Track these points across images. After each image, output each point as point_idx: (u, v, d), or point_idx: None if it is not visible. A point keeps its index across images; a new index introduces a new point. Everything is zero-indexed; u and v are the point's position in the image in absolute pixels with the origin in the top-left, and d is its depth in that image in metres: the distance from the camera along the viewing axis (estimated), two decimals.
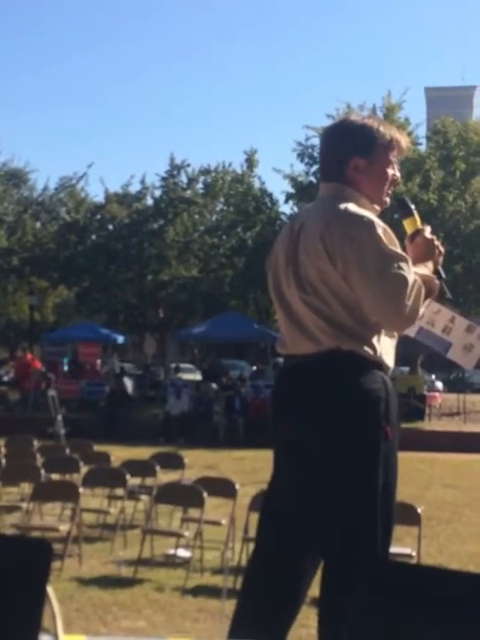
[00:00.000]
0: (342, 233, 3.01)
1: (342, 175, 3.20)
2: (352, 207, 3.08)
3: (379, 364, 3.09)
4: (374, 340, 3.08)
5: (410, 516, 7.00)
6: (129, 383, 25.35)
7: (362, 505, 3.04)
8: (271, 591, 3.16)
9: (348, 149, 3.19)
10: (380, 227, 3.04)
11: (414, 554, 6.95)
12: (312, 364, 3.09)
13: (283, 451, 3.20)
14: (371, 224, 3.02)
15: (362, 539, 3.05)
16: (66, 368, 27.32)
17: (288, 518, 3.17)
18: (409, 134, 29.24)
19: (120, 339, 29.07)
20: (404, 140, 3.29)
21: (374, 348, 3.08)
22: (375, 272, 2.97)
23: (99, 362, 28.07)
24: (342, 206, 3.08)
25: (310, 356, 3.09)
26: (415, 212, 3.40)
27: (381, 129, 3.23)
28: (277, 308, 3.29)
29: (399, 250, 3.07)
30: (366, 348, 3.06)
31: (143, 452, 12.66)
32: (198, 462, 15.00)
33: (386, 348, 3.14)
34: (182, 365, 31.56)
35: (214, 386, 24.03)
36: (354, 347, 3.04)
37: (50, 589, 1.17)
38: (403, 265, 3.01)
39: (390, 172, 3.24)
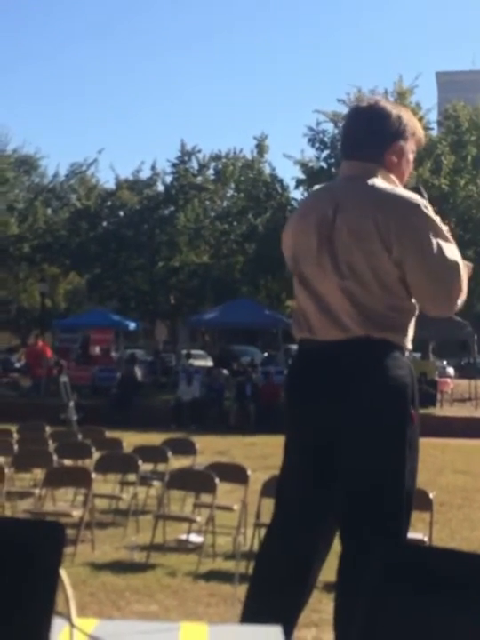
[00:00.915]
0: (400, 216, 3.01)
1: (378, 156, 3.18)
2: (402, 190, 3.11)
3: (404, 349, 3.12)
4: (404, 327, 3.12)
5: (422, 502, 6.99)
6: (139, 370, 25.38)
7: (391, 488, 3.06)
8: (283, 576, 3.16)
9: (391, 131, 3.19)
10: (431, 210, 3.07)
11: (426, 539, 6.95)
12: (341, 350, 3.07)
13: (303, 434, 3.16)
14: (426, 208, 3.05)
15: (390, 522, 3.08)
16: (75, 355, 27.34)
17: (304, 502, 3.16)
18: (420, 119, 29.17)
19: (131, 325, 29.11)
20: (423, 136, 3.36)
21: (404, 335, 3.12)
22: (434, 257, 2.99)
23: (113, 351, 28.09)
24: (391, 188, 3.09)
25: (338, 342, 3.08)
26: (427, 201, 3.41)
27: (413, 120, 3.30)
28: (301, 293, 3.22)
29: (448, 234, 3.10)
30: (396, 335, 3.09)
31: (155, 438, 12.70)
32: (209, 448, 15.02)
33: (411, 333, 3.18)
34: (193, 351, 31.57)
35: (225, 372, 24.04)
36: (384, 334, 3.05)
37: (63, 573, 1.17)
38: (455, 250, 3.07)
39: (412, 161, 3.32)
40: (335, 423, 3.07)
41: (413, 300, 3.11)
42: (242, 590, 3.47)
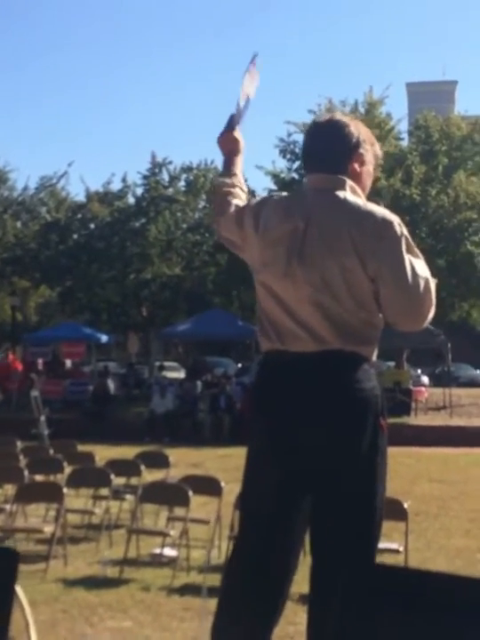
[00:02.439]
0: (376, 232, 3.04)
1: (343, 168, 3.21)
2: (376, 206, 3.14)
3: (371, 362, 3.16)
4: (374, 341, 3.16)
5: (397, 512, 6.96)
6: (111, 382, 25.24)
7: (363, 499, 3.07)
8: (254, 589, 3.10)
9: (352, 143, 3.23)
10: (404, 227, 3.12)
11: (401, 549, 6.91)
12: (314, 362, 3.07)
13: (274, 446, 3.11)
14: (400, 225, 3.09)
15: (362, 533, 3.09)
16: (41, 368, 27.04)
17: (274, 514, 3.10)
18: (391, 130, 29.34)
19: (103, 338, 28.98)
20: (379, 149, 3.43)
21: (372, 348, 3.16)
22: (408, 274, 3.04)
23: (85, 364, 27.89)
24: (364, 204, 3.12)
25: (312, 354, 3.07)
26: None
27: (369, 132, 3.37)
28: (268, 302, 3.19)
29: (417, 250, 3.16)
30: (366, 348, 3.12)
31: (128, 452, 12.57)
32: (183, 461, 14.92)
33: (376, 346, 3.22)
34: (167, 364, 31.47)
35: (199, 384, 23.95)
36: (355, 347, 3.08)
37: (23, 598, 1.09)
38: (425, 266, 3.13)
39: (372, 173, 3.37)
40: (308, 435, 3.04)
41: (382, 315, 3.14)
42: (212, 603, 3.39)
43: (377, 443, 3.08)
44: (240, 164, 3.61)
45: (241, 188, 3.48)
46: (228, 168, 3.57)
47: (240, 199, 3.42)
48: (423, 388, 27.23)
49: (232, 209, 3.39)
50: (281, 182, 28.73)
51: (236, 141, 3.58)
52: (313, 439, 3.03)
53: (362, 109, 29.53)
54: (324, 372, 3.05)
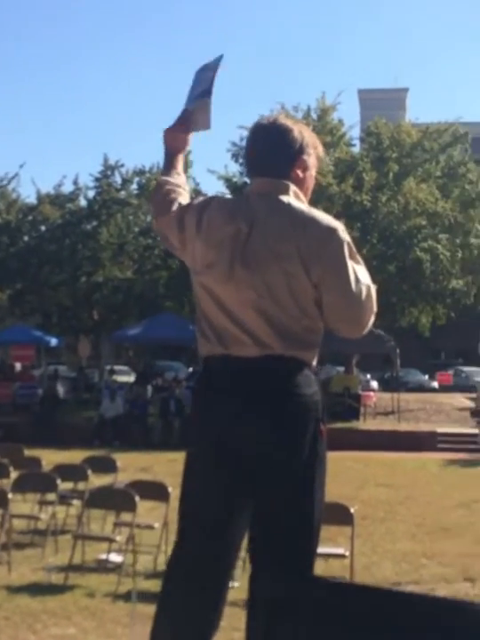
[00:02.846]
0: (320, 239, 3.03)
1: (286, 172, 3.18)
2: (320, 212, 3.14)
3: (312, 367, 3.15)
4: (315, 346, 3.16)
5: (343, 516, 7.01)
6: (61, 386, 25.07)
7: (303, 504, 3.06)
8: (193, 594, 3.10)
9: (295, 147, 3.20)
10: (347, 233, 3.12)
11: (347, 553, 6.96)
12: (256, 367, 3.05)
13: (214, 451, 3.09)
14: (344, 231, 3.09)
15: (302, 540, 3.08)
16: None
17: (212, 521, 3.10)
18: (342, 136, 29.54)
19: (53, 341, 28.76)
20: (322, 152, 3.38)
21: (314, 353, 3.16)
22: (351, 281, 3.04)
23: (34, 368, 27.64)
24: (308, 209, 3.11)
25: (254, 359, 3.06)
26: None
27: (313, 136, 3.34)
28: (209, 305, 3.16)
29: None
30: (307, 354, 3.12)
31: (76, 456, 12.48)
32: (133, 465, 14.88)
33: (317, 351, 3.21)
34: (117, 367, 31.35)
35: (149, 388, 23.88)
36: (296, 353, 3.07)
37: None
38: (366, 272, 3.13)
39: (314, 177, 3.34)
40: (248, 439, 3.03)
41: (323, 321, 3.14)
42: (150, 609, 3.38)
43: (316, 448, 3.07)
44: (182, 164, 3.57)
45: (183, 188, 3.44)
46: (172, 166, 3.51)
47: (183, 198, 3.37)
48: (372, 393, 27.43)
49: (174, 208, 3.33)
50: (233, 186, 28.79)
51: (184, 142, 3.54)
52: (253, 444, 3.02)
53: (314, 115, 29.72)
54: (266, 376, 3.04)
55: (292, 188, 3.17)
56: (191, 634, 3.07)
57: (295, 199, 3.15)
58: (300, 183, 3.22)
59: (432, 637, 1.07)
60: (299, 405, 3.04)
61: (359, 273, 3.08)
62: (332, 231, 3.06)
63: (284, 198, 3.13)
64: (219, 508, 3.10)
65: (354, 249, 3.10)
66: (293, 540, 3.04)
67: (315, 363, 3.19)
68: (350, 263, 3.06)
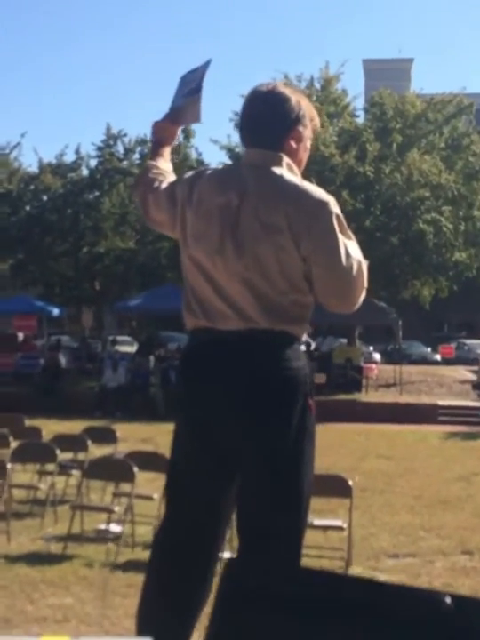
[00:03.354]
0: (311, 212, 2.99)
1: (279, 142, 3.14)
2: (312, 185, 3.09)
3: (301, 341, 3.14)
4: (304, 320, 3.13)
5: (341, 489, 7.02)
6: (63, 356, 25.09)
7: (291, 478, 3.05)
8: (181, 569, 3.10)
9: (291, 117, 3.15)
10: (338, 207, 3.08)
11: (345, 525, 6.97)
12: (242, 340, 3.03)
13: (202, 426, 3.09)
14: (335, 205, 3.05)
15: (291, 515, 3.07)
16: None
17: (201, 495, 3.10)
18: (346, 106, 29.34)
19: (55, 311, 28.77)
20: (319, 124, 3.35)
21: (303, 327, 3.13)
22: (341, 255, 3.00)
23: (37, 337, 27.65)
24: (300, 182, 3.07)
25: (239, 332, 3.03)
26: None
27: (310, 106, 3.28)
28: (196, 278, 3.14)
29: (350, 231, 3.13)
30: (296, 328, 3.09)
31: (77, 426, 12.50)
32: (134, 436, 14.92)
33: (307, 324, 3.20)
34: (120, 338, 31.34)
35: (151, 358, 23.89)
36: (284, 327, 3.05)
37: None
38: (357, 247, 3.09)
39: (309, 148, 3.30)
40: (235, 414, 3.02)
41: (313, 295, 3.11)
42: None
43: (305, 423, 3.05)
44: (168, 154, 3.58)
45: (171, 175, 3.44)
46: (159, 154, 3.53)
47: (166, 183, 3.37)
48: (374, 366, 27.45)
49: (164, 185, 3.33)
50: (236, 156, 28.63)
51: (172, 135, 3.58)
52: (241, 418, 3.01)
53: (317, 85, 29.52)
54: (253, 350, 3.02)
55: (285, 159, 3.13)
56: (179, 606, 3.07)
57: (288, 171, 3.11)
58: (293, 154, 3.17)
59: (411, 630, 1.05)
60: (287, 379, 3.02)
61: (350, 247, 3.04)
62: (323, 204, 3.02)
63: (277, 170, 3.09)
64: (205, 481, 3.10)
65: (345, 223, 3.06)
66: (281, 516, 3.03)
67: (304, 337, 3.17)
68: (341, 237, 3.02)
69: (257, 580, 1.22)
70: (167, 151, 3.57)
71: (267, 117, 3.16)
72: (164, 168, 3.46)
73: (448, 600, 1.03)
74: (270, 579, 1.23)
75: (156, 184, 3.36)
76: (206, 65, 3.52)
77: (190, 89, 3.51)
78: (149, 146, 24.77)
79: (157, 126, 3.55)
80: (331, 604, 1.07)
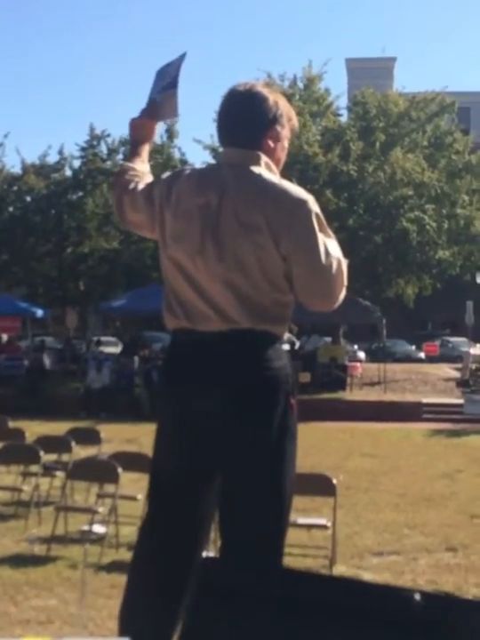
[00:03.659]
0: (290, 211, 2.99)
1: (257, 142, 3.13)
2: (290, 184, 3.09)
3: (282, 340, 3.14)
4: (285, 319, 3.14)
5: (325, 487, 7.04)
6: (47, 357, 25.03)
7: (274, 478, 3.05)
8: (162, 571, 3.10)
9: (268, 116, 3.15)
10: (317, 205, 3.07)
11: (329, 524, 6.98)
12: (223, 341, 3.03)
13: (184, 427, 3.09)
14: (314, 203, 3.05)
15: (273, 515, 3.07)
16: None
17: (182, 496, 3.10)
18: (329, 105, 29.40)
19: (39, 312, 28.67)
20: (297, 124, 3.34)
21: (284, 326, 3.14)
22: (321, 254, 2.99)
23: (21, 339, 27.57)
24: (279, 181, 3.07)
25: (220, 333, 3.03)
26: None
27: (288, 106, 3.28)
28: (175, 278, 3.13)
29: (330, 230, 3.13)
30: (277, 327, 3.09)
31: (61, 427, 12.47)
32: (119, 436, 14.90)
33: (288, 323, 3.21)
34: (104, 338, 31.29)
35: (136, 359, 23.85)
36: (266, 326, 3.05)
37: None
38: (337, 246, 3.08)
39: (287, 148, 3.30)
40: (217, 414, 3.02)
41: (293, 294, 3.11)
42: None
43: (287, 422, 3.06)
44: (147, 152, 3.56)
45: (148, 176, 3.42)
46: (137, 154, 3.52)
47: (143, 184, 3.35)
48: (358, 364, 27.48)
49: (140, 187, 3.32)
50: (220, 156, 28.66)
51: (150, 132, 3.55)
52: (221, 417, 3.01)
53: (300, 84, 29.56)
54: (234, 350, 3.02)
55: (264, 158, 3.13)
56: (161, 606, 3.07)
57: (266, 170, 3.10)
58: (271, 153, 3.17)
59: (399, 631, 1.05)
60: (268, 378, 3.02)
61: (329, 246, 3.03)
62: (302, 203, 3.02)
63: (255, 169, 3.08)
64: (188, 480, 3.10)
65: (324, 222, 3.06)
66: (262, 516, 3.03)
67: (287, 336, 3.18)
68: (320, 236, 3.02)
69: (232, 579, 1.22)
70: (145, 150, 3.55)
71: (244, 117, 3.15)
72: (141, 169, 3.44)
73: (417, 597, 1.04)
74: (246, 577, 1.24)
75: (132, 185, 3.34)
76: (181, 58, 3.50)
77: (167, 83, 3.50)
78: None
79: (135, 123, 3.52)
80: (304, 603, 1.08)
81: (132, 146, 3.60)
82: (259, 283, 3.02)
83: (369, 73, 55.09)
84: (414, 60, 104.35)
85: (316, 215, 3.03)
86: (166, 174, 3.31)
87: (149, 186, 3.30)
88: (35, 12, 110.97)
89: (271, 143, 3.17)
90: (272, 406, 3.02)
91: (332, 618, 1.07)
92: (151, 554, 3.13)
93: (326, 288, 3.06)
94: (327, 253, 3.01)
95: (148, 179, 3.40)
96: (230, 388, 3.00)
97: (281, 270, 3.03)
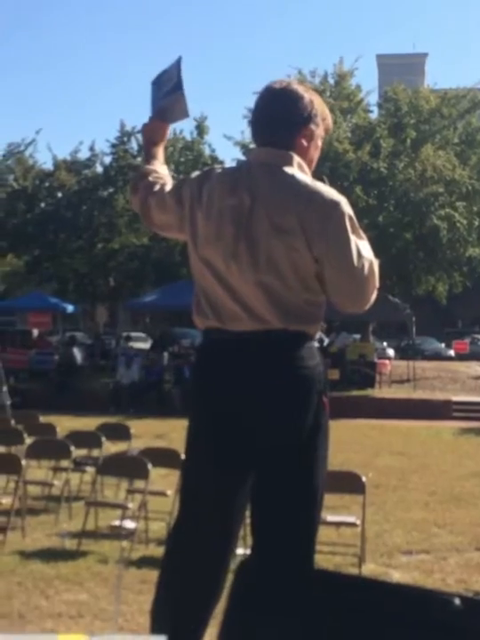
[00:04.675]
0: (323, 213, 2.99)
1: (290, 141, 3.13)
2: (323, 185, 3.08)
3: (314, 339, 3.15)
4: (318, 319, 3.14)
5: (355, 485, 7.03)
6: (78, 353, 25.14)
7: (306, 480, 3.06)
8: (195, 571, 3.11)
9: (303, 115, 3.14)
10: (350, 207, 3.07)
11: (359, 522, 6.97)
12: (257, 341, 3.03)
13: (217, 427, 3.09)
14: (347, 205, 3.04)
15: (304, 514, 3.07)
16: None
17: (216, 496, 3.11)
18: (360, 102, 29.27)
19: (70, 308, 28.86)
20: (331, 124, 3.33)
21: (316, 326, 3.15)
22: (353, 256, 3.00)
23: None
24: (312, 182, 3.07)
25: (253, 333, 3.04)
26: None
27: (323, 105, 3.27)
28: (207, 278, 3.13)
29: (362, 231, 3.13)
30: (309, 327, 3.10)
31: (91, 423, 12.54)
32: (148, 432, 14.96)
33: (320, 324, 3.21)
34: (134, 334, 31.40)
35: (165, 355, 23.91)
36: (298, 326, 3.05)
37: None
38: (369, 247, 3.08)
39: (320, 147, 3.29)
40: (251, 412, 3.03)
41: (325, 296, 3.11)
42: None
43: (320, 421, 3.07)
44: (162, 154, 3.58)
45: (168, 178, 3.42)
46: (153, 156, 3.53)
47: (169, 185, 3.35)
48: (388, 361, 27.37)
49: (167, 188, 3.32)
50: (250, 153, 28.62)
51: (163, 134, 3.57)
52: (256, 417, 3.02)
53: (331, 81, 29.47)
54: (267, 349, 3.03)
55: (297, 159, 3.12)
56: (193, 602, 3.09)
57: (299, 171, 3.10)
58: (304, 153, 3.16)
59: (423, 632, 1.06)
60: (302, 377, 3.03)
61: (362, 247, 3.03)
62: (335, 205, 3.01)
63: (288, 170, 3.08)
64: (220, 478, 3.10)
65: (356, 223, 3.06)
66: (295, 513, 3.04)
67: (317, 335, 3.18)
68: (353, 237, 3.02)
69: (270, 581, 1.23)
70: (161, 151, 3.56)
71: (279, 115, 3.14)
72: (162, 171, 3.45)
73: (457, 602, 1.04)
74: (284, 579, 1.25)
75: (158, 187, 3.33)
76: (178, 62, 3.51)
77: (171, 87, 3.50)
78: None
79: (147, 128, 3.55)
80: (343, 605, 1.08)
81: (147, 149, 3.60)
82: (291, 284, 3.02)
83: (400, 69, 54.89)
84: (446, 56, 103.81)
85: (349, 217, 3.02)
86: (195, 174, 3.30)
87: (177, 187, 3.29)
88: (67, 11, 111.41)
89: (305, 142, 3.17)
90: (305, 405, 3.03)
91: (370, 620, 1.08)
92: (184, 551, 3.15)
93: (358, 290, 3.07)
94: (359, 255, 3.01)
95: (170, 180, 3.40)
96: (264, 387, 3.00)
97: (313, 271, 3.03)
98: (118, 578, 5.38)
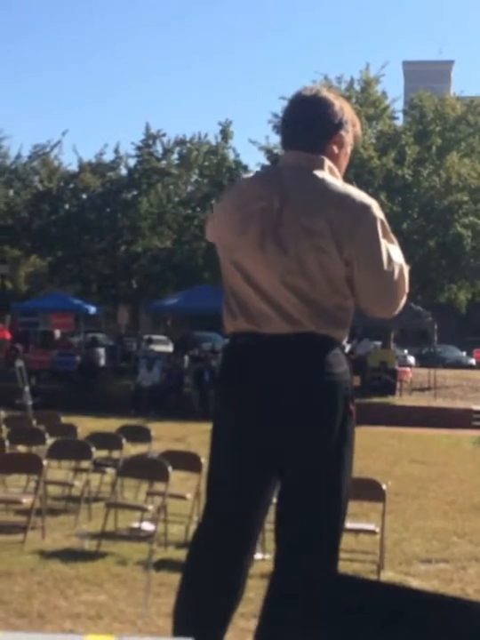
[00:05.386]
0: (354, 216, 3.00)
1: (321, 146, 3.15)
2: (354, 189, 3.10)
3: (342, 346, 3.15)
4: (346, 324, 3.14)
5: (375, 493, 7.01)
6: (102, 354, 25.23)
7: (331, 484, 3.07)
8: (216, 572, 3.12)
9: (334, 122, 3.17)
10: (381, 211, 3.09)
11: (378, 530, 6.96)
12: (286, 344, 3.04)
13: (243, 429, 3.09)
14: (378, 209, 3.06)
15: (329, 520, 3.08)
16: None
17: (238, 497, 3.12)
18: (386, 108, 29.22)
19: (92, 309, 28.95)
20: (360, 131, 3.36)
21: (344, 332, 3.14)
22: (384, 260, 3.01)
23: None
24: (343, 186, 3.08)
25: (284, 336, 3.04)
26: None
27: (352, 112, 3.30)
28: (238, 282, 3.13)
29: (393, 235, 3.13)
30: (338, 332, 3.10)
31: (112, 424, 12.59)
32: (168, 435, 14.99)
33: (348, 330, 3.21)
34: (155, 337, 31.46)
35: (186, 358, 23.95)
36: (328, 331, 3.06)
37: None
38: (399, 251, 3.09)
39: (349, 154, 3.31)
40: (278, 417, 3.03)
41: (354, 300, 3.12)
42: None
43: (346, 428, 3.07)
44: None
45: None
46: None
47: None
48: (408, 369, 27.30)
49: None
50: (274, 158, 28.64)
51: None
52: (282, 421, 3.02)
53: (357, 87, 29.42)
54: (297, 354, 3.03)
55: (328, 162, 3.13)
56: (214, 605, 3.10)
57: (330, 175, 3.11)
58: (334, 159, 3.18)
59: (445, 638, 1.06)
60: (329, 384, 3.03)
61: (392, 252, 3.04)
62: (366, 208, 3.02)
63: (319, 173, 3.09)
64: (244, 482, 3.11)
65: (388, 227, 3.06)
66: (320, 520, 3.05)
67: (345, 341, 3.18)
68: (383, 242, 3.02)
69: (302, 589, 1.23)
70: None
71: (310, 121, 3.16)
72: None
73: None
74: (316, 587, 1.25)
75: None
76: None
77: None
78: (188, 146, 25.05)
79: None
80: (372, 612, 1.09)
81: None
82: (321, 286, 3.02)
83: (426, 76, 54.73)
84: (472, 63, 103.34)
85: (380, 221, 3.03)
86: (215, 205, 3.43)
87: (206, 224, 3.40)
88: (96, 17, 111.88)
89: (335, 149, 3.19)
90: (332, 411, 3.03)
91: (401, 628, 1.09)
92: (207, 554, 3.16)
93: (388, 294, 3.07)
94: (390, 259, 3.02)
95: None
96: (293, 391, 3.01)
97: (343, 275, 3.03)
98: (146, 582, 5.38)
